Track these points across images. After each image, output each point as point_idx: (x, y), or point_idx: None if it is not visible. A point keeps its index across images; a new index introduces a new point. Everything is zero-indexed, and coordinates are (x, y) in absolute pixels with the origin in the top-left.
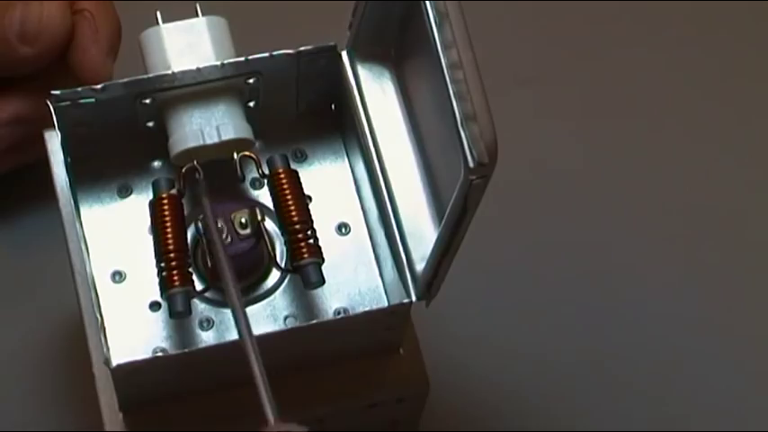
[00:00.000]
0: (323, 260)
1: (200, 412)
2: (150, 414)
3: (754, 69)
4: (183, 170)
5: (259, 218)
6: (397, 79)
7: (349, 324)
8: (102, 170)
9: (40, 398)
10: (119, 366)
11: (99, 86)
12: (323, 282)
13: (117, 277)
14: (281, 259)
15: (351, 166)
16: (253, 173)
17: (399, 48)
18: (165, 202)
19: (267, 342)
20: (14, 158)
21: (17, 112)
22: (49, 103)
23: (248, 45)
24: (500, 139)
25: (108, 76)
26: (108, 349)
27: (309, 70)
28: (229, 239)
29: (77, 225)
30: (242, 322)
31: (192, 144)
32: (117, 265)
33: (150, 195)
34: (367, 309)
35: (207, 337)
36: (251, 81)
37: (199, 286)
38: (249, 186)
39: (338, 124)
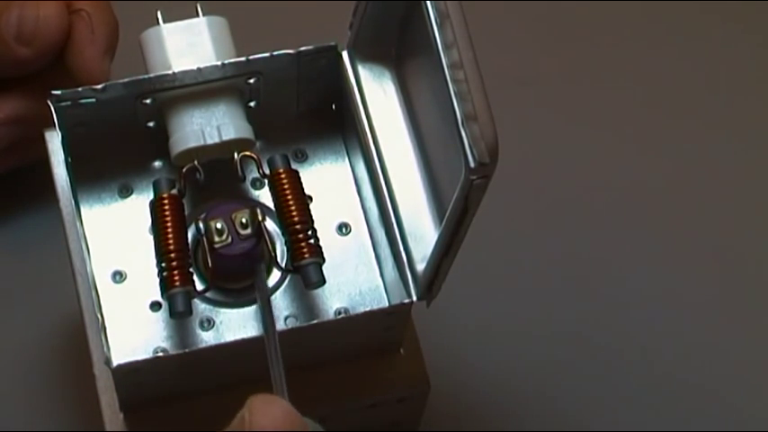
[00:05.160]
0: (323, 260)
1: (201, 412)
2: (150, 414)
3: (756, 69)
4: (184, 170)
5: (260, 218)
6: (397, 79)
7: (349, 324)
8: (102, 170)
9: (39, 398)
10: (119, 366)
11: (99, 86)
12: (323, 282)
13: (117, 277)
14: (282, 259)
15: (351, 165)
16: (253, 173)
17: (400, 48)
18: (166, 202)
19: None
20: (12, 159)
21: (14, 112)
22: (49, 102)
23: (248, 45)
24: (501, 139)
25: (105, 77)
26: (108, 349)
27: (310, 70)
28: (230, 239)
29: (78, 225)
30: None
31: (192, 144)
32: (117, 265)
33: (151, 195)
34: (368, 309)
35: (207, 337)
36: (251, 81)
37: (199, 286)
38: (250, 186)
39: (339, 124)
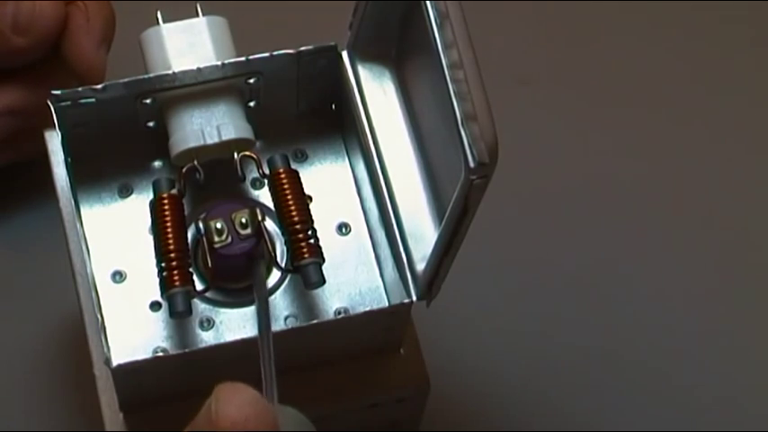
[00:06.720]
0: (323, 260)
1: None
2: (150, 414)
3: (757, 67)
4: (184, 170)
5: (259, 218)
6: (397, 79)
7: (349, 324)
8: (102, 170)
9: (40, 398)
10: (119, 366)
11: (99, 86)
12: (323, 282)
13: (117, 277)
14: (282, 259)
15: (351, 165)
16: (253, 173)
17: (400, 48)
18: (166, 201)
19: None
20: (10, 153)
21: (11, 103)
22: (49, 103)
23: (248, 45)
24: (501, 138)
25: (101, 66)
26: (108, 349)
27: (310, 70)
28: (230, 239)
29: (78, 225)
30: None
31: (192, 144)
32: (117, 265)
33: (151, 195)
34: (367, 309)
35: (207, 337)
36: (251, 81)
37: (199, 286)
38: (250, 186)
39: (338, 124)
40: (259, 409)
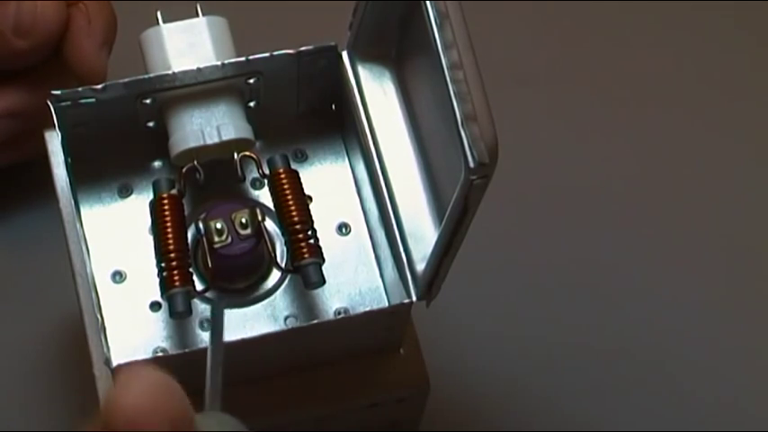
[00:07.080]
0: (323, 260)
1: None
2: None
3: (760, 67)
4: (184, 170)
5: (259, 218)
6: (397, 79)
7: (349, 324)
8: (102, 170)
9: (40, 398)
10: (119, 366)
11: (99, 86)
12: (323, 282)
13: (117, 277)
14: (282, 259)
15: (351, 166)
16: (253, 173)
17: (399, 48)
18: (166, 202)
19: (267, 342)
20: (10, 154)
21: (11, 105)
22: (49, 103)
23: (248, 45)
24: (500, 139)
25: (102, 70)
26: (108, 349)
27: (310, 70)
28: (230, 239)
29: (78, 225)
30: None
31: (192, 144)
32: (117, 265)
33: (151, 195)
34: (367, 309)
35: (207, 337)
36: (251, 81)
37: (199, 286)
38: (249, 186)
39: (338, 124)
40: (159, 392)
